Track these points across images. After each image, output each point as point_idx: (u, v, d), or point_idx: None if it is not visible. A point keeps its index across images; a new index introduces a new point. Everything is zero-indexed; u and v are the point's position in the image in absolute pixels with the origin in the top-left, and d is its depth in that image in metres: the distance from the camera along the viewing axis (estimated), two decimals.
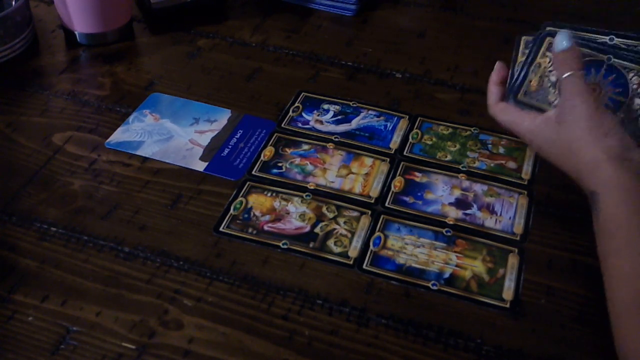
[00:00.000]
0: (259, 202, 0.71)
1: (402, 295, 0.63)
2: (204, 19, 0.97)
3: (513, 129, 0.66)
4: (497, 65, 0.68)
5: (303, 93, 0.84)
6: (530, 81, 0.65)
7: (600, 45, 0.64)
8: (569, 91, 0.61)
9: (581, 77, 0.61)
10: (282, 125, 0.80)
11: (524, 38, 0.68)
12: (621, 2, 1.02)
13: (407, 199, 0.71)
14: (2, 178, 0.73)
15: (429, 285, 0.63)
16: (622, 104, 0.63)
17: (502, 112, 0.67)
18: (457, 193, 0.72)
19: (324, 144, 0.77)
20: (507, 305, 0.62)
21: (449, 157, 0.76)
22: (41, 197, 0.71)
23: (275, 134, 0.78)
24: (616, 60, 0.64)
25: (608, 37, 0.65)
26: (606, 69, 0.64)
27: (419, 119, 0.81)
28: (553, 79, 0.64)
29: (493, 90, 0.68)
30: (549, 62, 0.65)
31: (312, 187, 0.72)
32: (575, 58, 0.62)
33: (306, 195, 0.71)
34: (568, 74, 0.61)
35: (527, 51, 0.66)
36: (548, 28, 0.66)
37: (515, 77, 0.66)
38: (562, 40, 0.63)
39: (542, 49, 0.65)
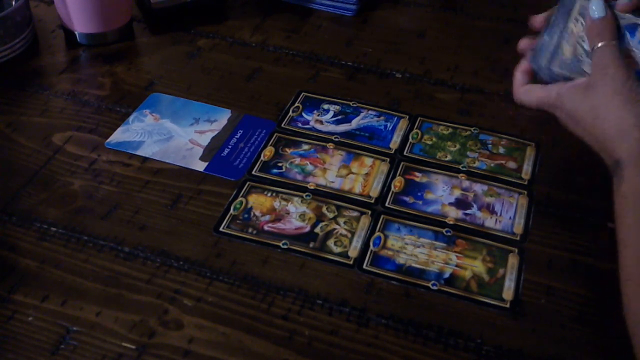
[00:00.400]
0: (259, 202, 0.71)
1: (402, 295, 0.63)
2: (204, 19, 0.97)
3: (544, 104, 0.65)
4: (523, 58, 0.68)
5: (303, 93, 0.84)
6: (564, 50, 0.63)
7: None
8: (601, 61, 0.61)
9: (614, 47, 0.61)
10: (282, 125, 0.80)
11: (554, 7, 0.65)
12: None
13: (407, 199, 0.71)
14: (2, 178, 0.73)
15: (429, 285, 0.63)
16: None
17: (530, 93, 0.66)
18: (457, 193, 0.72)
19: (324, 144, 0.77)
20: (507, 305, 0.62)
21: (449, 157, 0.76)
22: (41, 197, 0.71)
23: (275, 134, 0.78)
24: None
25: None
26: None
27: (419, 119, 0.81)
28: (587, 47, 0.63)
29: (519, 77, 0.68)
30: (582, 28, 0.63)
31: (312, 187, 0.72)
32: (608, 28, 0.62)
33: (306, 195, 0.71)
34: (601, 44, 0.61)
35: (556, 15, 0.64)
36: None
37: (544, 44, 0.64)
38: (596, 8, 0.62)
39: (574, 14, 0.63)
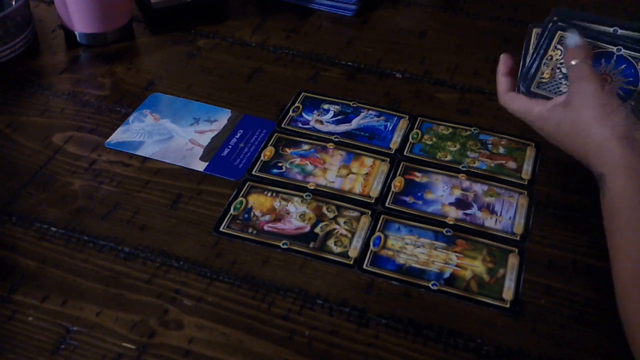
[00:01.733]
0: (259, 202, 0.71)
1: (402, 295, 0.63)
2: (204, 19, 0.97)
3: (524, 117, 0.68)
4: (503, 57, 0.71)
5: (303, 93, 0.84)
6: (543, 73, 0.67)
7: (608, 37, 0.66)
8: (576, 76, 0.63)
9: (588, 64, 0.63)
10: (282, 125, 0.80)
11: (534, 30, 0.69)
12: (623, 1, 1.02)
13: (407, 199, 0.71)
14: (2, 178, 0.73)
15: (429, 285, 0.63)
16: (633, 92, 0.65)
17: (512, 101, 0.69)
18: (457, 193, 0.72)
19: (324, 144, 0.77)
20: (507, 305, 0.62)
21: (449, 157, 0.76)
22: (41, 197, 0.71)
23: (275, 134, 0.78)
24: (626, 51, 0.66)
25: (612, 29, 0.67)
26: (616, 59, 0.66)
27: (419, 119, 0.81)
28: (565, 70, 0.66)
29: (502, 80, 0.70)
30: (560, 54, 0.67)
31: (312, 187, 0.72)
32: (583, 51, 0.64)
33: (306, 195, 0.71)
34: (575, 62, 0.64)
35: (538, 43, 0.68)
36: (559, 22, 0.67)
37: (527, 67, 0.68)
38: (572, 39, 0.65)
39: (554, 42, 0.67)
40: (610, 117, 0.60)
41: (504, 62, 0.70)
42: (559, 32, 0.67)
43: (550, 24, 0.67)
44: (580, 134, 0.62)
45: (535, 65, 0.68)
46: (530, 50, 0.69)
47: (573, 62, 0.64)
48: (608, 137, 0.60)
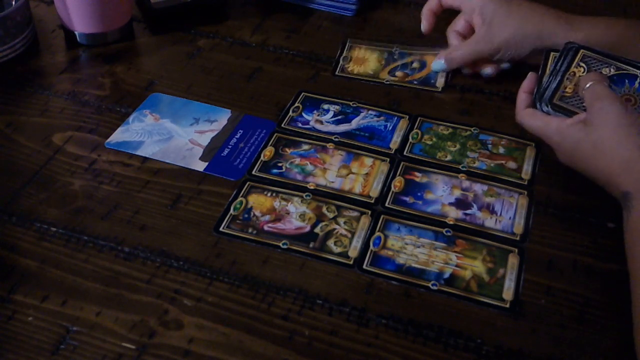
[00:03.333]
0: (259, 202, 0.71)
1: (402, 295, 0.63)
2: (204, 19, 0.97)
3: (541, 132, 0.68)
4: (530, 75, 0.72)
5: (303, 93, 0.84)
6: (566, 87, 0.69)
7: (631, 60, 0.69)
8: (594, 97, 0.64)
9: (604, 85, 0.65)
10: (282, 125, 0.80)
11: (552, 54, 0.73)
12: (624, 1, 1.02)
13: (407, 199, 0.71)
14: (2, 178, 0.73)
15: (429, 285, 0.63)
16: None
17: (531, 117, 0.69)
18: (457, 193, 0.72)
19: (324, 144, 0.77)
20: (507, 305, 0.62)
21: (449, 157, 0.76)
22: (41, 197, 0.71)
23: (275, 134, 0.78)
24: None
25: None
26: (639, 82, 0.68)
27: (419, 119, 0.81)
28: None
29: (522, 97, 0.71)
30: (583, 71, 0.69)
31: (312, 187, 0.72)
32: (596, 74, 0.67)
33: (306, 195, 0.71)
34: (590, 83, 0.65)
35: (556, 64, 0.71)
36: (578, 44, 0.71)
37: (544, 87, 0.70)
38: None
39: (576, 60, 0.70)
40: (636, 136, 0.60)
41: (529, 80, 0.72)
42: (582, 50, 0.70)
43: (570, 45, 0.71)
44: (603, 152, 0.61)
45: (557, 80, 0.69)
46: (547, 72, 0.71)
47: (588, 85, 0.65)
48: (636, 156, 0.59)
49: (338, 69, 0.88)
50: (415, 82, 0.86)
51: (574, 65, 0.70)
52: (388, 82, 0.86)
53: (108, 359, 0.58)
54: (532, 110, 0.70)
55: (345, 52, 0.91)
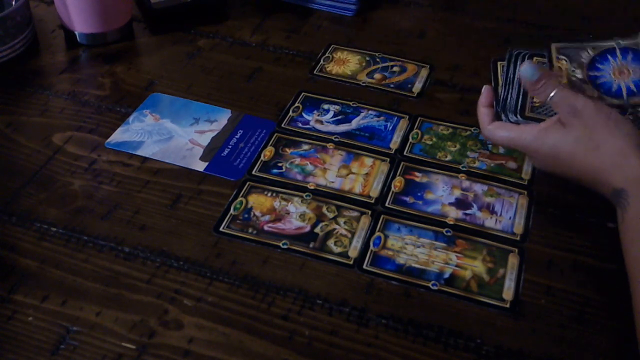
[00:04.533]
0: (259, 202, 0.71)
1: (402, 295, 0.63)
2: (204, 19, 0.97)
3: (516, 143, 0.65)
4: (485, 88, 0.70)
5: (303, 93, 0.84)
6: (533, 98, 0.67)
7: (598, 39, 0.67)
8: (564, 101, 0.62)
9: (566, 89, 0.62)
10: (282, 125, 0.80)
11: (499, 63, 0.72)
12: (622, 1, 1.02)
13: (407, 199, 0.71)
14: (2, 178, 0.73)
15: (429, 285, 0.63)
16: None
17: (499, 130, 0.67)
18: (457, 193, 0.72)
19: (324, 144, 0.77)
20: (507, 305, 0.62)
21: (449, 157, 0.76)
22: (41, 197, 0.71)
23: (275, 134, 0.78)
24: (623, 42, 0.66)
25: (614, 42, 0.67)
26: (621, 52, 0.66)
27: (419, 119, 0.81)
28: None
29: (484, 112, 0.68)
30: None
31: (312, 187, 0.72)
32: (550, 81, 0.63)
33: (306, 195, 0.71)
34: (553, 93, 0.62)
35: (509, 71, 0.69)
36: (517, 50, 0.70)
37: (506, 93, 0.68)
38: (528, 72, 0.64)
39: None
40: (618, 128, 0.58)
41: (485, 94, 0.69)
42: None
43: (514, 51, 0.70)
44: (589, 149, 0.59)
45: (514, 93, 0.68)
46: (500, 82, 0.70)
47: (551, 94, 0.62)
48: (622, 147, 0.58)
49: (317, 68, 0.88)
50: (391, 86, 0.85)
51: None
52: (364, 84, 0.85)
53: (108, 359, 0.58)
54: (500, 123, 0.67)
55: (328, 52, 0.90)
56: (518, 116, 0.67)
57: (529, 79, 0.64)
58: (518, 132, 0.65)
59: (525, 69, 0.64)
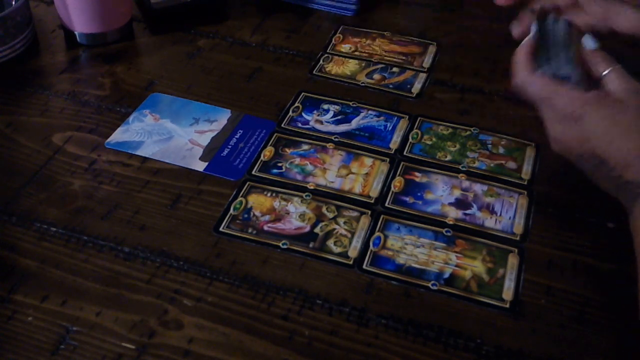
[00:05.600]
0: (259, 202, 0.71)
1: (402, 295, 0.63)
2: (204, 19, 0.97)
3: (556, 98, 0.61)
4: (528, 39, 0.67)
5: (303, 93, 0.84)
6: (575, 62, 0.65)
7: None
8: (624, 78, 0.60)
9: (622, 70, 0.61)
10: (282, 125, 0.80)
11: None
12: None
13: (407, 199, 0.71)
14: (2, 178, 0.73)
15: (429, 285, 0.63)
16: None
17: (536, 79, 0.63)
18: (457, 193, 0.72)
19: (324, 144, 0.77)
20: (507, 305, 0.62)
21: (449, 157, 0.76)
22: (41, 197, 0.71)
23: (275, 134, 0.78)
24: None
25: None
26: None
27: (419, 119, 0.81)
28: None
29: (523, 58, 0.65)
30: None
31: (312, 187, 0.72)
32: (607, 56, 0.63)
33: (306, 195, 0.71)
34: (608, 69, 0.61)
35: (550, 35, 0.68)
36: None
37: (553, 51, 0.66)
38: (590, 41, 0.65)
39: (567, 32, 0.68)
40: None
41: (528, 42, 0.66)
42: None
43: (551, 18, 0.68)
44: (633, 134, 0.57)
45: (562, 51, 0.66)
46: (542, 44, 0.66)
47: (606, 71, 0.61)
48: None
49: (316, 68, 0.88)
50: (390, 86, 0.85)
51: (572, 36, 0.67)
52: (363, 85, 0.85)
53: (108, 359, 0.58)
54: (540, 72, 0.64)
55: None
56: (573, 66, 0.64)
57: (591, 47, 0.64)
58: (565, 87, 0.61)
59: (587, 37, 0.65)
